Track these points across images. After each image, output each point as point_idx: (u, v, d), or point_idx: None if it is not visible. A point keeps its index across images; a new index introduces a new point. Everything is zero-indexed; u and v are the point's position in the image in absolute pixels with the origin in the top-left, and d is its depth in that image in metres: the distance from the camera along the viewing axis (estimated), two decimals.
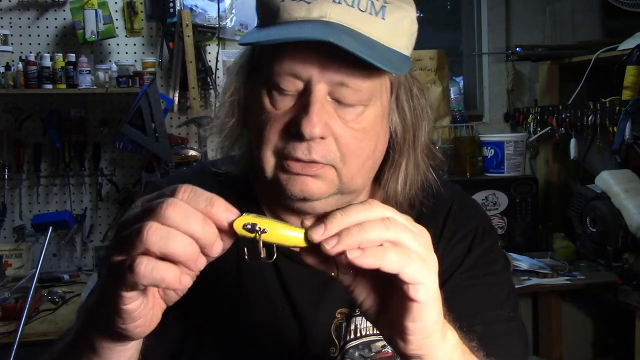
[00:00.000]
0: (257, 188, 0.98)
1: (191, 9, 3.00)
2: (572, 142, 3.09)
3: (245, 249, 0.62)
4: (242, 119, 0.92)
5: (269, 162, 0.84)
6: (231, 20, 3.12)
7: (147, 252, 0.58)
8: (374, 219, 0.62)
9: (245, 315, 0.95)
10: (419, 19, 0.88)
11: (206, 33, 3.03)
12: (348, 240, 0.60)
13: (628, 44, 2.76)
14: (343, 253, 0.59)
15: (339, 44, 0.74)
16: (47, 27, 2.99)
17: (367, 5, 0.80)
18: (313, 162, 0.82)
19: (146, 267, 0.57)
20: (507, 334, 0.92)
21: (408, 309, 0.62)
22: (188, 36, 2.90)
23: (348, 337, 0.96)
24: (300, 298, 0.94)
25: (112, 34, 2.92)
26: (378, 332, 0.71)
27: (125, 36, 3.06)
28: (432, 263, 0.63)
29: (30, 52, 2.85)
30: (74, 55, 2.81)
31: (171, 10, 2.93)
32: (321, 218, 0.62)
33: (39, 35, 2.99)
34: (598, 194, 2.86)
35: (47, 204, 3.04)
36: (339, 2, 0.79)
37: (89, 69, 2.82)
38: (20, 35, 2.97)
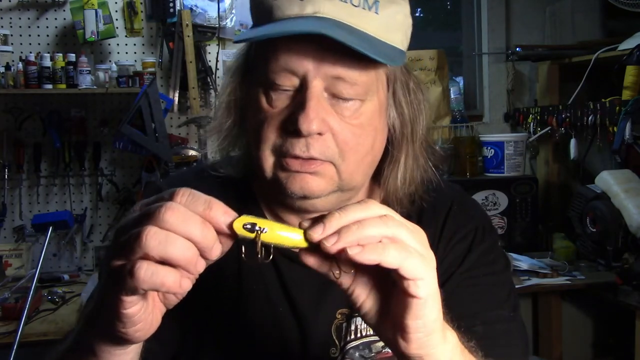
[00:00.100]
0: (256, 188, 0.98)
1: (191, 9, 3.00)
2: (572, 142, 3.09)
3: (244, 248, 0.62)
4: (239, 120, 0.93)
5: (268, 161, 0.85)
6: (231, 20, 3.12)
7: (147, 257, 0.58)
8: (371, 216, 0.62)
9: (245, 316, 0.95)
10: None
11: (206, 33, 3.03)
12: (348, 238, 0.60)
13: (628, 44, 2.76)
14: (343, 250, 0.60)
15: (332, 36, 0.74)
16: (47, 27, 2.99)
17: (360, 0, 0.80)
18: (312, 159, 0.82)
19: (146, 271, 0.57)
20: (507, 334, 0.92)
21: (409, 306, 0.62)
22: (188, 36, 2.90)
23: (348, 338, 0.96)
24: (300, 299, 0.94)
25: (112, 34, 2.92)
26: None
27: (125, 36, 3.06)
28: (430, 260, 0.63)
29: (30, 52, 2.85)
30: (74, 55, 2.81)
31: (171, 10, 2.94)
32: (318, 219, 0.62)
33: (39, 35, 2.99)
34: (598, 194, 2.86)
35: (47, 204, 3.04)
36: None
37: (89, 69, 2.82)
38: (20, 35, 2.97)
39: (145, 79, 2.88)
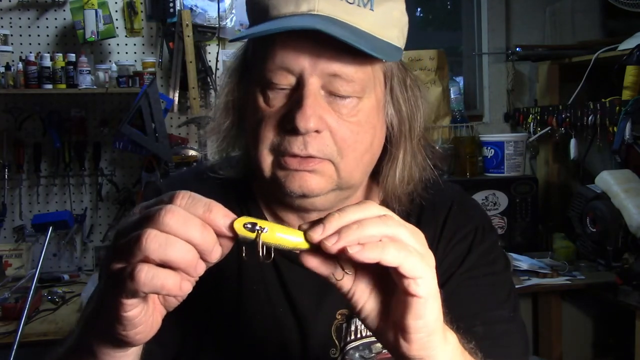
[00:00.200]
0: (256, 188, 0.98)
1: (191, 9, 3.00)
2: (572, 142, 3.09)
3: (244, 247, 0.62)
4: (238, 120, 0.93)
5: (266, 160, 0.85)
6: (231, 20, 3.12)
7: (147, 260, 0.58)
8: (371, 216, 0.62)
9: (245, 316, 0.95)
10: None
11: (206, 33, 3.03)
12: (348, 237, 0.60)
13: (628, 44, 2.76)
14: (344, 250, 0.60)
15: (327, 31, 0.75)
16: (47, 27, 2.99)
17: None
18: (310, 157, 0.82)
19: (146, 274, 0.57)
20: (508, 334, 0.92)
21: (409, 305, 0.62)
22: (188, 36, 2.90)
23: (348, 338, 0.96)
24: (300, 299, 0.94)
25: (112, 34, 2.92)
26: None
27: (125, 36, 3.06)
28: (430, 259, 0.63)
29: (30, 52, 2.86)
30: (74, 55, 2.81)
31: (171, 10, 2.94)
32: (318, 221, 0.62)
33: (39, 35, 2.99)
34: (598, 194, 2.86)
35: (47, 204, 3.04)
36: None
37: (89, 69, 2.82)
38: (20, 35, 2.97)
39: (145, 79, 2.88)
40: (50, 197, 3.04)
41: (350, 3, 0.81)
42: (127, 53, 3.06)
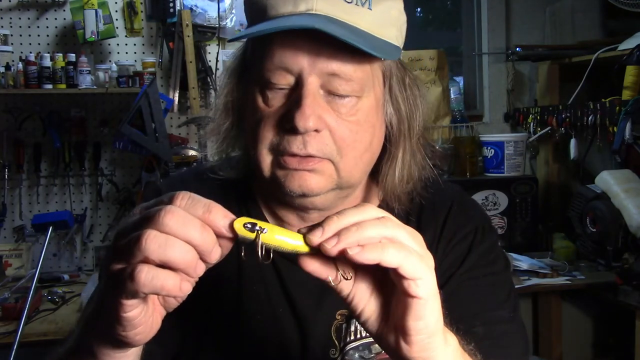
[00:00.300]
0: (256, 188, 0.98)
1: (191, 9, 3.00)
2: (572, 142, 3.09)
3: (243, 248, 0.62)
4: (237, 121, 0.93)
5: (266, 160, 0.85)
6: (231, 20, 3.12)
7: (146, 260, 0.58)
8: (370, 218, 0.62)
9: (245, 316, 0.95)
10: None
11: (206, 33, 3.03)
12: (348, 239, 0.60)
13: (628, 44, 2.76)
14: (344, 252, 0.59)
15: (325, 30, 0.75)
16: (47, 27, 2.99)
17: None
18: (309, 156, 0.82)
19: (146, 275, 0.57)
20: (508, 334, 0.92)
21: (409, 307, 0.62)
22: (188, 36, 2.90)
23: (348, 339, 0.96)
24: (300, 299, 0.94)
25: (112, 34, 2.92)
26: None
27: (125, 36, 3.06)
28: (429, 260, 0.63)
29: (30, 52, 2.86)
30: (74, 55, 2.81)
31: (171, 10, 2.94)
32: (317, 224, 0.62)
33: (39, 35, 2.99)
34: (598, 194, 2.86)
35: (47, 204, 3.04)
36: None
37: (89, 69, 2.82)
38: (20, 35, 2.97)
39: (145, 79, 2.88)
40: (50, 197, 3.04)
41: (348, 2, 0.81)
42: (127, 53, 3.06)
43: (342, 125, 0.83)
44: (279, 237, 0.61)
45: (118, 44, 3.05)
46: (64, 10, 2.97)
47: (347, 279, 0.64)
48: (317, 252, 0.61)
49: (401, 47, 0.88)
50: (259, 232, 0.60)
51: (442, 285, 0.92)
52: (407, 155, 0.92)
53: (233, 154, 0.97)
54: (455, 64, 3.66)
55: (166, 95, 2.95)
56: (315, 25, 0.75)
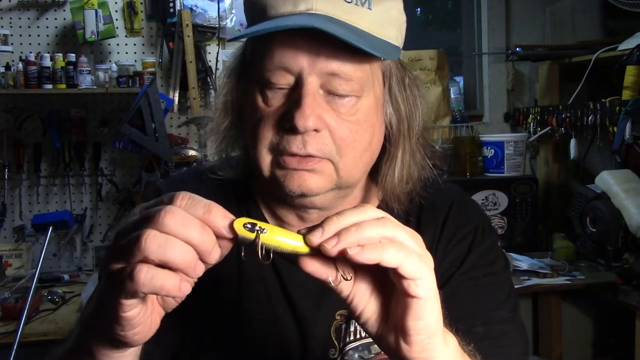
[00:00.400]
0: (255, 188, 0.98)
1: (191, 9, 3.00)
2: (572, 142, 3.09)
3: (243, 247, 0.62)
4: (237, 120, 0.93)
5: (265, 159, 0.85)
6: (231, 20, 3.12)
7: (146, 260, 0.58)
8: (369, 219, 0.62)
9: (245, 317, 0.95)
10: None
11: (206, 33, 3.03)
12: (348, 239, 0.60)
13: (628, 44, 2.76)
14: (343, 252, 0.59)
15: (325, 29, 0.75)
16: (47, 27, 2.99)
17: None
18: (309, 156, 0.82)
19: (146, 275, 0.57)
20: (507, 334, 0.92)
21: (409, 307, 0.62)
22: (188, 36, 2.90)
23: (348, 339, 0.96)
24: (300, 300, 0.94)
25: (112, 34, 2.92)
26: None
27: (125, 36, 3.06)
28: (428, 260, 0.63)
29: (30, 52, 2.86)
30: (74, 55, 2.81)
31: (171, 10, 2.94)
32: (316, 225, 0.62)
33: (39, 35, 2.99)
34: (598, 194, 2.86)
35: (47, 204, 3.04)
36: None
37: (89, 69, 2.82)
38: (20, 35, 2.97)
39: (145, 79, 2.88)
40: (50, 197, 3.04)
41: (348, 2, 0.81)
42: (127, 53, 3.07)
43: (341, 125, 0.83)
44: (278, 237, 0.61)
45: (118, 44, 3.05)
46: (64, 10, 2.97)
47: (347, 280, 0.64)
48: (317, 252, 0.61)
49: (401, 47, 0.88)
50: (259, 232, 0.60)
51: (441, 285, 0.92)
52: (407, 155, 0.92)
53: (233, 153, 0.97)
54: (455, 64, 3.66)
55: (166, 95, 2.95)
56: (315, 24, 0.75)
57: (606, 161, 3.29)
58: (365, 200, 0.97)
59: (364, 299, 0.66)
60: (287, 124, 0.81)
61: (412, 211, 0.98)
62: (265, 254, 0.61)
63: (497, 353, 0.86)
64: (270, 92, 0.84)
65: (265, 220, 0.96)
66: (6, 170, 2.93)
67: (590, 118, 2.87)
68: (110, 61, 3.01)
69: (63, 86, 2.79)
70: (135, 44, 3.07)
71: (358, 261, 0.60)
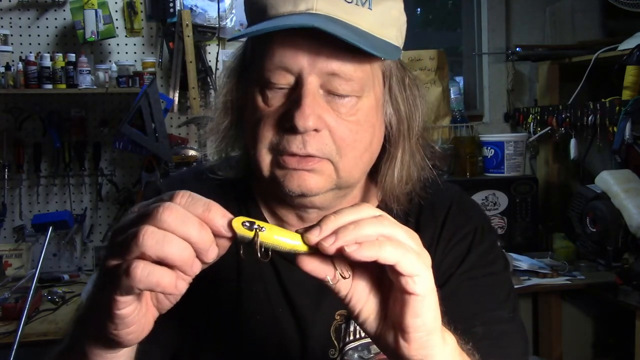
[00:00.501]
0: (255, 188, 0.98)
1: (191, 9, 3.00)
2: (572, 142, 3.09)
3: (242, 246, 0.62)
4: (237, 120, 0.93)
5: (265, 159, 0.85)
6: (231, 20, 3.12)
7: (143, 256, 0.57)
8: (367, 217, 0.62)
9: (244, 317, 0.95)
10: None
11: (206, 33, 3.03)
12: (345, 237, 0.60)
13: (628, 44, 2.76)
14: (341, 250, 0.60)
15: (326, 29, 0.75)
16: (47, 27, 3.00)
17: None
18: (309, 156, 0.82)
19: (142, 271, 0.57)
20: (507, 334, 0.92)
21: (407, 304, 0.62)
22: (188, 36, 2.90)
23: (347, 339, 0.96)
24: (299, 300, 0.94)
25: (112, 34, 2.92)
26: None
27: (125, 36, 3.06)
28: (426, 257, 0.63)
29: (30, 52, 2.86)
30: (74, 55, 2.82)
31: (171, 10, 2.94)
32: (313, 224, 0.62)
33: (39, 35, 2.99)
34: (598, 194, 2.86)
35: (47, 204, 3.04)
36: None
37: (89, 69, 2.82)
38: (20, 35, 2.97)
39: (145, 79, 2.88)
40: (50, 197, 3.04)
41: (348, 2, 0.81)
42: (127, 53, 3.07)
43: (341, 125, 0.83)
44: (277, 236, 0.61)
45: (118, 44, 3.06)
46: (64, 10, 2.97)
47: (345, 278, 0.64)
48: (315, 251, 0.61)
49: (401, 47, 0.88)
50: (257, 230, 0.60)
51: (441, 285, 0.92)
52: (407, 155, 0.92)
53: (232, 153, 0.97)
54: (455, 64, 3.66)
55: (166, 95, 2.95)
56: (315, 24, 0.75)
57: (606, 161, 3.29)
58: (364, 200, 0.97)
59: (362, 298, 0.66)
60: (287, 124, 0.81)
61: (412, 212, 0.98)
62: (264, 253, 0.61)
63: (496, 353, 0.86)
64: (270, 92, 0.84)
65: (265, 220, 0.96)
66: (6, 170, 2.93)
67: (590, 118, 2.87)
68: (110, 61, 3.01)
69: (63, 86, 2.79)
70: (135, 44, 3.08)
71: (356, 259, 0.60)
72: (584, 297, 3.30)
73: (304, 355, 0.94)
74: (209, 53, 3.09)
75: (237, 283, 0.95)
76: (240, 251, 0.62)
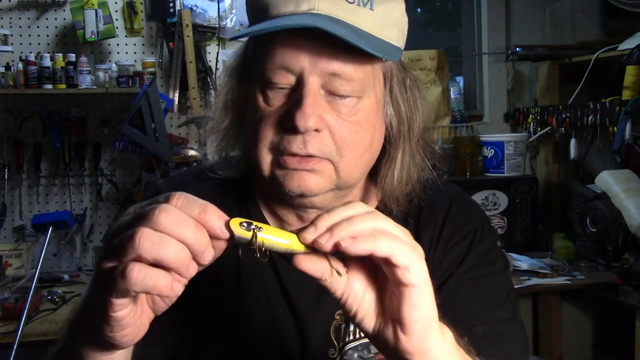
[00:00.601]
0: (255, 188, 0.98)
1: (191, 9, 3.00)
2: (572, 142, 3.09)
3: (240, 247, 0.62)
4: (237, 120, 0.93)
5: (266, 159, 0.85)
6: (231, 20, 3.12)
7: (139, 259, 0.57)
8: (359, 213, 0.63)
9: (244, 317, 0.95)
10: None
11: (206, 33, 3.03)
12: (340, 232, 0.60)
13: (628, 44, 2.76)
14: (337, 245, 0.60)
15: (327, 29, 0.75)
16: (47, 27, 3.00)
17: None
18: (309, 156, 0.82)
19: (138, 273, 0.57)
20: (507, 334, 0.92)
21: (404, 296, 0.62)
22: (188, 36, 2.90)
23: (347, 339, 0.96)
24: (299, 299, 0.94)
25: (112, 34, 2.92)
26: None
27: (125, 36, 3.06)
28: (419, 250, 0.64)
29: (30, 52, 2.86)
30: (74, 55, 2.82)
31: (171, 10, 2.94)
32: (308, 224, 0.62)
33: (39, 35, 2.99)
34: (598, 194, 2.86)
35: (47, 204, 3.04)
36: None
37: (89, 69, 2.82)
38: (20, 35, 2.97)
39: (145, 79, 2.88)
40: (50, 197, 3.04)
41: (350, 2, 0.81)
42: (127, 53, 3.07)
43: (342, 125, 0.83)
44: (273, 237, 0.61)
45: (118, 44, 3.06)
46: (64, 10, 2.97)
47: (340, 275, 0.64)
48: (311, 250, 0.62)
49: (402, 48, 0.88)
50: (255, 230, 0.60)
51: (441, 285, 0.92)
52: (407, 156, 0.92)
53: (233, 153, 0.97)
54: (455, 64, 3.66)
55: (166, 95, 2.95)
56: (316, 24, 0.75)
57: (606, 161, 3.29)
58: (364, 201, 0.97)
59: (358, 297, 0.66)
60: (287, 124, 0.81)
61: (411, 212, 0.98)
62: (263, 253, 0.61)
63: (496, 353, 0.86)
64: (271, 91, 0.84)
65: (265, 220, 0.96)
66: (6, 170, 2.93)
67: (590, 118, 2.87)
68: (110, 61, 3.01)
69: (63, 86, 2.79)
70: (135, 44, 3.08)
71: (352, 253, 0.60)
72: (584, 297, 3.30)
73: (303, 355, 0.94)
74: (209, 53, 3.09)
75: (237, 283, 0.95)
76: (240, 252, 0.62)
